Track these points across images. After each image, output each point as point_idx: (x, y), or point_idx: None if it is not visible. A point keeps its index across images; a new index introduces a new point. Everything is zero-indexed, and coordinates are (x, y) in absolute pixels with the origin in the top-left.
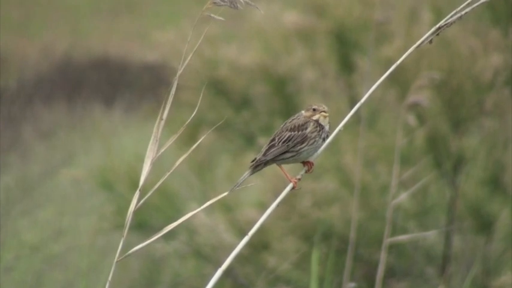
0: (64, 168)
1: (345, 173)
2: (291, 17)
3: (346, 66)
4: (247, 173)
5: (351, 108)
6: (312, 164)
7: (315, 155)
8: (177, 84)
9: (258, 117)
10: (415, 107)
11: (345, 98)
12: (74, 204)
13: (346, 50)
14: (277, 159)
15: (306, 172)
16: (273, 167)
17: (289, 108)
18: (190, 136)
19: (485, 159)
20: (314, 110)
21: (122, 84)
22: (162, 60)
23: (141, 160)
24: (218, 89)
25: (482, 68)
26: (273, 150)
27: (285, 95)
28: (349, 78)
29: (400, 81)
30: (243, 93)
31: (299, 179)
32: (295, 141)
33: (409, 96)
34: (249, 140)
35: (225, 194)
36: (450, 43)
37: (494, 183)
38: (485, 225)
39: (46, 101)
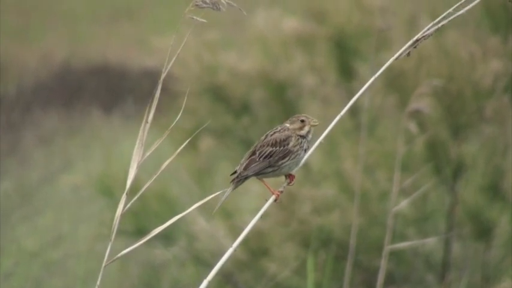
0: (63, 175)
1: (344, 179)
2: (291, 23)
3: (346, 73)
4: (229, 189)
5: (351, 114)
6: (294, 176)
7: (296, 168)
8: (178, 90)
9: (258, 123)
10: (415, 114)
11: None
12: (73, 211)
13: (346, 56)
14: (257, 173)
15: (288, 185)
16: None
17: (288, 114)
18: (190, 142)
19: (485, 165)
20: (302, 121)
21: (121, 90)
22: (161, 65)
23: (140, 166)
24: (218, 95)
25: (482, 75)
26: (253, 165)
27: (284, 101)
28: (349, 85)
29: (400, 88)
30: (242, 100)
31: (281, 192)
32: (276, 157)
33: (410, 103)
34: (249, 147)
35: (216, 200)
36: (450, 50)
37: (494, 189)
38: (484, 231)
39: (45, 107)
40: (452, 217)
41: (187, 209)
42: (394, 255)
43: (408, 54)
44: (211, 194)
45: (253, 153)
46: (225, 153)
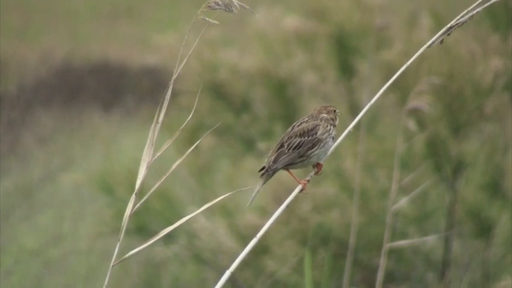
0: (63, 173)
1: (344, 177)
2: (292, 21)
3: (346, 70)
4: (260, 183)
5: (351, 113)
6: (321, 165)
7: (324, 157)
8: (179, 88)
9: (258, 121)
10: (415, 112)
11: (345, 103)
12: (74, 209)
13: (346, 54)
14: (286, 165)
15: (315, 174)
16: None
17: (289, 112)
18: (190, 140)
19: (485, 163)
20: (335, 111)
21: (121, 88)
22: (162, 64)
23: (140, 164)
24: (218, 93)
25: (482, 73)
26: (283, 157)
27: (285, 99)
28: (349, 83)
29: (400, 86)
30: (243, 97)
31: (308, 181)
32: (305, 147)
33: (409, 101)
34: (249, 145)
35: (225, 198)
36: (450, 48)
37: (494, 187)
38: (484, 229)
39: (45, 106)
40: (452, 215)
41: (188, 207)
42: (394, 253)
43: (441, 42)
44: (212, 191)
45: (282, 145)
46: (225, 151)
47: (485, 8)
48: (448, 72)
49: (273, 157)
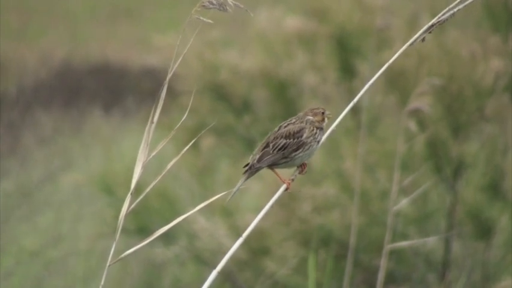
0: (64, 174)
1: (345, 178)
2: (293, 22)
3: (347, 71)
4: (242, 179)
5: (352, 112)
6: (305, 165)
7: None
8: (180, 89)
9: (259, 122)
10: (415, 113)
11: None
12: (74, 210)
13: (347, 55)
14: (270, 165)
15: (299, 173)
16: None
17: (290, 113)
18: (191, 141)
19: (485, 164)
20: (323, 113)
21: (121, 89)
22: (162, 65)
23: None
24: (219, 93)
25: (483, 74)
26: (267, 157)
27: (286, 99)
28: (350, 84)
29: (401, 87)
30: (244, 98)
31: (292, 180)
32: (290, 149)
33: (410, 102)
34: (250, 145)
35: (224, 198)
36: (450, 49)
37: (494, 188)
38: (485, 230)
39: (45, 107)
40: (452, 216)
41: (188, 208)
42: (395, 254)
43: (423, 39)
44: (213, 192)
45: (267, 145)
46: (226, 151)
47: (466, 6)
48: (449, 73)
49: (258, 156)
